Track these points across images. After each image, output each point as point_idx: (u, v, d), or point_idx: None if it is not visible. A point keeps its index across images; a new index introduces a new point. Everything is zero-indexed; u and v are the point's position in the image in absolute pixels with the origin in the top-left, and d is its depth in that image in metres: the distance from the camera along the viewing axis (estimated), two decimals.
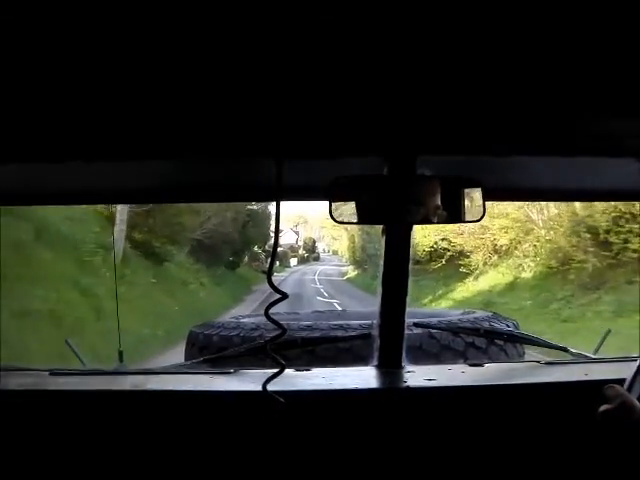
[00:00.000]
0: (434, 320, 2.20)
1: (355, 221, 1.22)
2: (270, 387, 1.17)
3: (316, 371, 1.47)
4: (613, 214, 11.13)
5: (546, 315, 11.01)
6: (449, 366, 1.59)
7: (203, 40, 0.79)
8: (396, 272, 1.42)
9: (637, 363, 0.88)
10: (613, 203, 9.88)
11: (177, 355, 2.78)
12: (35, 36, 0.76)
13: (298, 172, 1.21)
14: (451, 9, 0.73)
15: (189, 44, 0.79)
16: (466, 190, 1.23)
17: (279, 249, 1.29)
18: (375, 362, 1.50)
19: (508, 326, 2.28)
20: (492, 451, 1.26)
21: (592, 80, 0.88)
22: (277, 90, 0.90)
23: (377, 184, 1.22)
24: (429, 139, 1.08)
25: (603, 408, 0.81)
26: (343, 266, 38.46)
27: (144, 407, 1.27)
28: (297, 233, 59.39)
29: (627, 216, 10.96)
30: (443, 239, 16.57)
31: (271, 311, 1.15)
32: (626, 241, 11.05)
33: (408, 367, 1.48)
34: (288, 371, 1.25)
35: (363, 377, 1.44)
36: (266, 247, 26.30)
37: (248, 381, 1.36)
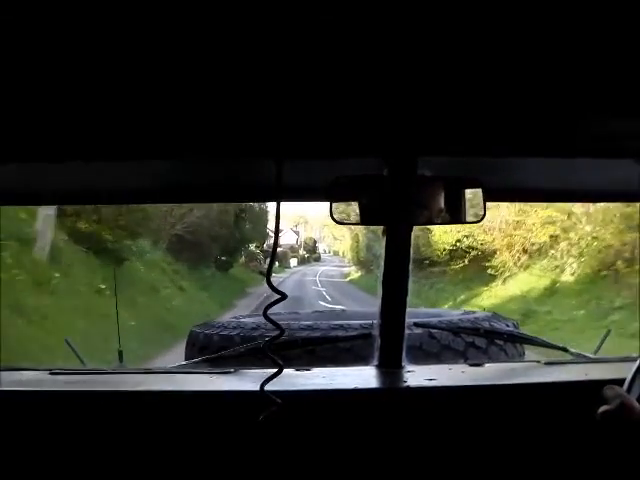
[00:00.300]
0: (434, 320, 2.20)
1: (355, 222, 1.23)
2: (271, 387, 1.17)
3: (316, 371, 1.47)
4: None
5: (605, 329, 7.28)
6: (449, 366, 1.59)
7: (203, 40, 0.79)
8: (396, 272, 1.42)
9: (637, 363, 0.88)
10: None
11: None
12: (35, 36, 0.76)
13: (298, 172, 1.21)
14: (451, 10, 0.73)
15: (189, 44, 0.79)
16: (466, 191, 1.24)
17: (279, 249, 1.29)
18: (375, 362, 1.50)
19: (508, 326, 2.28)
20: (492, 451, 1.26)
21: (592, 81, 0.88)
22: (277, 90, 0.90)
23: (377, 184, 1.22)
24: (429, 140, 1.08)
25: (603, 408, 0.80)
26: (345, 267, 37.68)
27: (144, 407, 1.27)
28: (297, 233, 59.31)
29: None
30: (467, 236, 14.69)
31: (271, 311, 1.15)
32: None
33: (408, 367, 1.48)
34: (289, 371, 1.25)
35: (363, 377, 1.44)
36: (264, 247, 25.44)
37: (248, 381, 1.36)
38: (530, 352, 2.33)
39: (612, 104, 0.93)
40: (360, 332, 1.80)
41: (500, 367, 1.72)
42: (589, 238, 11.63)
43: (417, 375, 1.43)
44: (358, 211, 1.21)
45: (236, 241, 19.92)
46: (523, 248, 13.78)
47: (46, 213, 8.84)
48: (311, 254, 57.02)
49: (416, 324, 1.83)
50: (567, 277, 11.90)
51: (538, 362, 1.56)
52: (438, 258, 15.56)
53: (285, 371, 1.19)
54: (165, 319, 9.92)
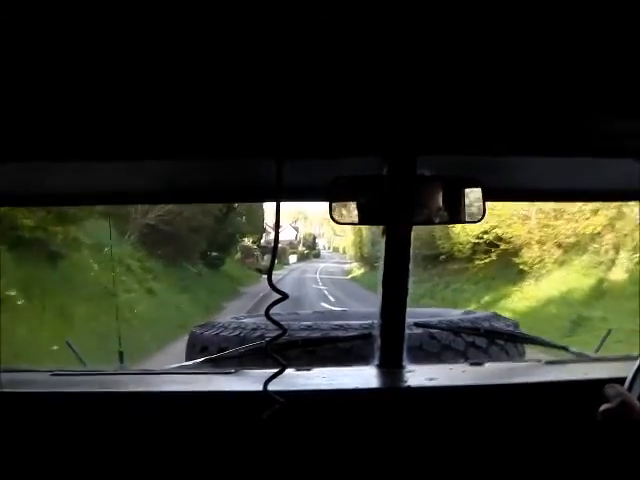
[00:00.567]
0: (435, 320, 2.21)
1: (355, 222, 1.23)
2: (271, 387, 1.17)
3: (317, 371, 1.47)
4: None
5: None
6: (450, 366, 1.59)
7: (203, 40, 0.79)
8: (396, 272, 1.42)
9: (637, 362, 0.88)
10: None
11: None
12: (35, 36, 0.76)
13: (298, 172, 1.21)
14: (451, 10, 0.73)
15: (189, 44, 0.79)
16: (466, 190, 1.24)
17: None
18: (376, 362, 1.50)
19: (508, 326, 2.28)
20: (493, 450, 1.26)
21: (592, 81, 0.88)
22: (277, 90, 0.90)
23: (377, 184, 1.22)
24: (429, 139, 1.08)
25: (603, 407, 0.80)
26: (346, 263, 36.92)
27: (145, 407, 1.27)
28: (296, 229, 59.18)
29: None
30: (494, 227, 12.53)
31: (271, 311, 1.15)
32: None
33: (409, 367, 1.48)
34: (289, 371, 1.25)
35: (364, 377, 1.44)
36: (262, 242, 24.18)
37: (249, 381, 1.36)
38: (530, 352, 2.33)
39: (612, 104, 0.93)
40: (360, 332, 1.80)
41: (501, 367, 1.72)
42: None
43: (418, 375, 1.43)
44: (358, 211, 1.21)
45: (228, 235, 17.91)
46: (558, 243, 11.78)
47: None
48: (310, 250, 56.93)
49: (416, 324, 1.83)
50: (616, 275, 10.11)
51: (539, 362, 1.56)
52: (459, 253, 13.76)
53: (286, 371, 1.19)
54: (114, 333, 6.41)
